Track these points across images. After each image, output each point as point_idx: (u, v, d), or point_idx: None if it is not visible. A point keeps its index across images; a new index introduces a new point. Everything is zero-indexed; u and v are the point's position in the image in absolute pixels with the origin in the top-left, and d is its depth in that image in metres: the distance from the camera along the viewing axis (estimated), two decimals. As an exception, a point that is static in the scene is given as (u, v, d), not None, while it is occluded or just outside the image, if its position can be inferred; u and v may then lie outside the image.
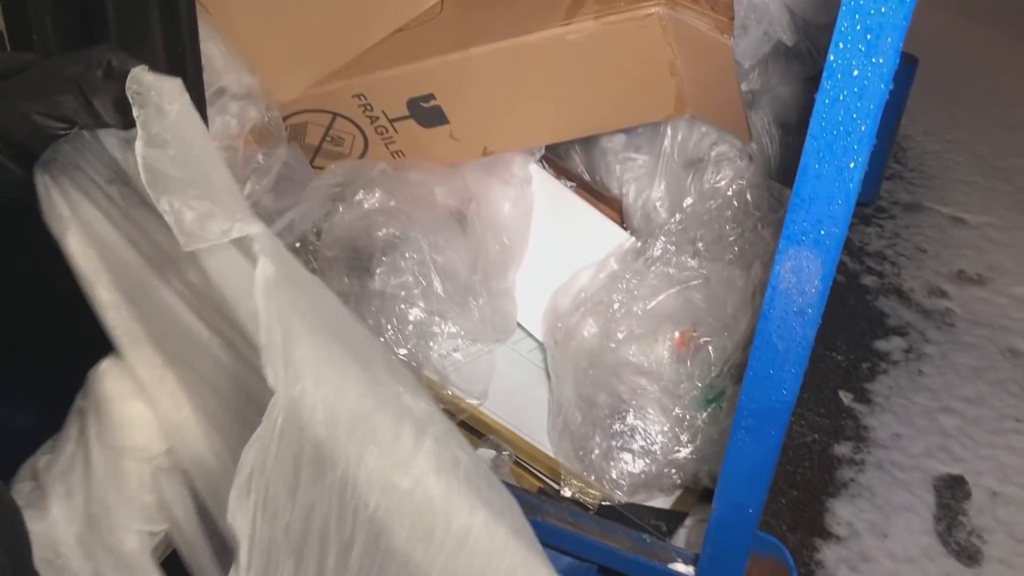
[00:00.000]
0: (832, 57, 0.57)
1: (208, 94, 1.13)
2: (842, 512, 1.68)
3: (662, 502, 1.15)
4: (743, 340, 1.12)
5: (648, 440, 1.11)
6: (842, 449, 1.81)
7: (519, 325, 1.34)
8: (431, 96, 1.30)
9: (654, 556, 0.88)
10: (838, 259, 0.64)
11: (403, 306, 1.13)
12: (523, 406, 1.25)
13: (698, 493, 1.18)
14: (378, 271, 1.17)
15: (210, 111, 1.13)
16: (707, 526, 0.84)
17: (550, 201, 1.39)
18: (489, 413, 1.20)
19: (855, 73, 0.58)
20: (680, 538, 1.11)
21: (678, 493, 1.17)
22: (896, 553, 1.61)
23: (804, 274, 0.63)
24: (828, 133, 0.60)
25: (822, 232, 0.62)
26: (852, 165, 0.60)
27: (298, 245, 1.33)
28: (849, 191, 0.62)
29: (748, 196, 1.24)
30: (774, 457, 0.75)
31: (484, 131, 1.36)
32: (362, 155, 1.39)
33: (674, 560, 0.88)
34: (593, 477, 1.12)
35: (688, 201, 1.32)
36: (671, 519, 1.13)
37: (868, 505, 1.70)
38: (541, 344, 1.34)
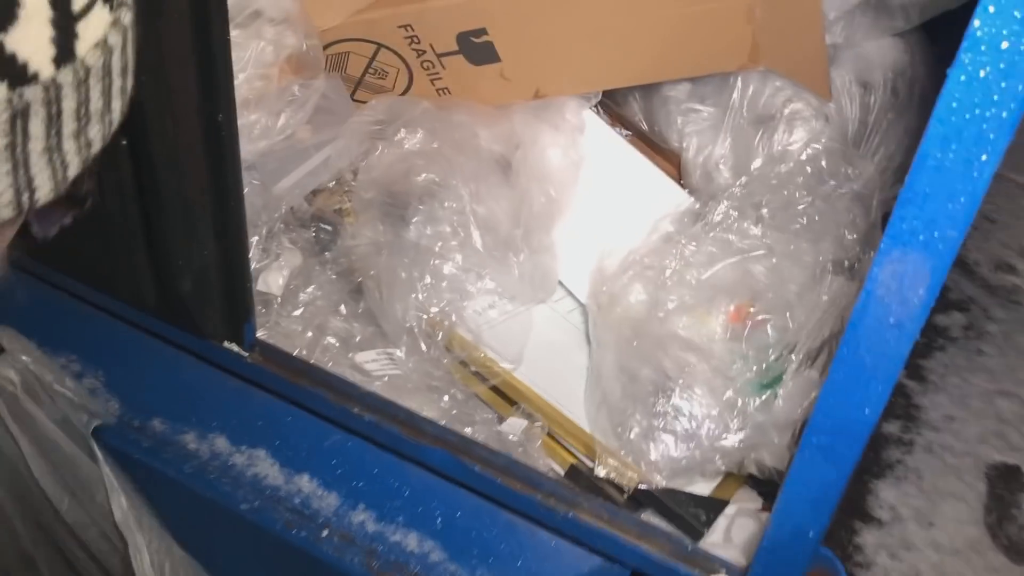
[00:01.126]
0: (977, 23, 0.47)
1: (242, 17, 1.04)
2: (886, 495, 1.59)
3: (702, 487, 1.08)
4: (808, 323, 1.03)
5: (693, 423, 1.02)
6: (890, 428, 1.71)
7: (560, 283, 1.26)
8: (483, 31, 1.19)
9: (695, 565, 0.81)
10: (949, 267, 0.54)
11: (437, 261, 1.05)
12: (559, 372, 1.17)
13: (742, 479, 1.10)
14: (414, 220, 1.08)
15: (243, 35, 1.04)
16: (760, 544, 0.76)
17: (603, 152, 1.29)
18: (522, 378, 1.12)
19: (1004, 46, 0.47)
20: (719, 530, 1.04)
21: (720, 478, 1.09)
22: (941, 543, 1.53)
23: (907, 281, 0.53)
24: (959, 117, 0.49)
25: (935, 234, 0.52)
26: (984, 158, 0.50)
27: (333, 184, 1.25)
28: (976, 189, 0.51)
29: (823, 162, 1.13)
30: (844, 480, 0.66)
31: (537, 72, 1.25)
32: (406, 90, 1.30)
33: (718, 572, 0.81)
34: (631, 457, 1.04)
35: (756, 163, 1.21)
36: (711, 507, 1.05)
37: (914, 489, 1.60)
38: (582, 305, 1.26)
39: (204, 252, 0.79)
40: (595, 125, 1.30)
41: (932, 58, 1.30)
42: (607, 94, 1.38)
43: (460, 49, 1.23)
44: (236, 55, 1.04)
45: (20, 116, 0.35)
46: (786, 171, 1.15)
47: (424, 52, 1.24)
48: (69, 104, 0.37)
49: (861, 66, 1.25)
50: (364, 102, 1.30)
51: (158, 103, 0.69)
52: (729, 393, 1.02)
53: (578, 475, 1.06)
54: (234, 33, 1.04)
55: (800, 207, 1.13)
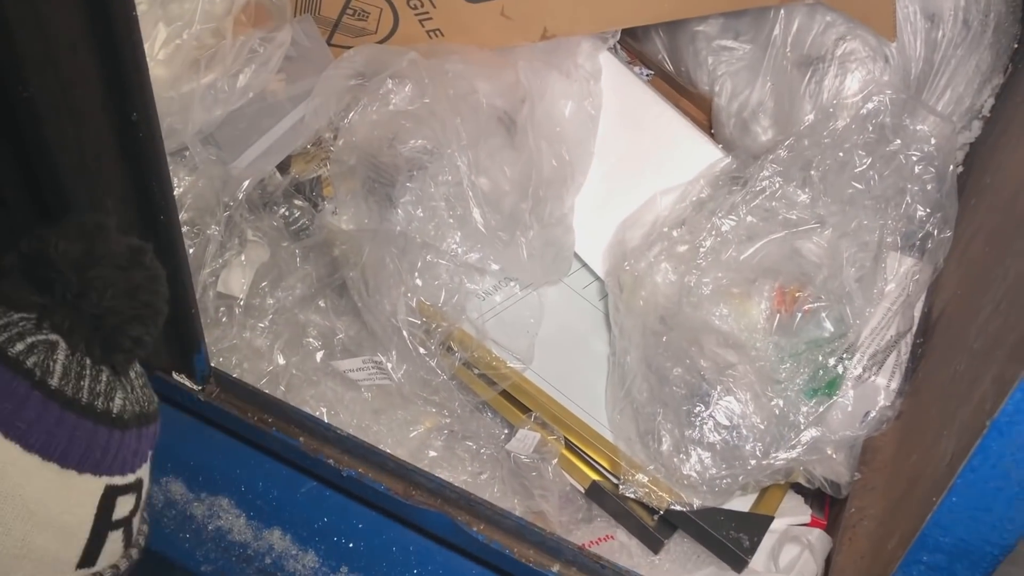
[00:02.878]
0: None
1: (183, -42, 0.86)
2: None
3: (741, 502, 0.94)
4: (872, 318, 0.87)
5: (734, 436, 0.88)
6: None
7: (575, 255, 1.10)
8: (479, -36, 1.01)
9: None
10: None
11: (430, 257, 0.88)
12: (575, 363, 1.02)
13: (786, 486, 0.96)
14: (402, 200, 0.92)
15: (186, -18, 0.85)
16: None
17: (623, 102, 1.11)
18: (534, 379, 0.97)
19: None
20: (764, 552, 0.90)
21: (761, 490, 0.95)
22: None
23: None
24: None
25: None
26: None
27: (310, 148, 1.08)
28: None
29: (886, 116, 0.95)
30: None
31: (545, 8, 1.07)
32: (391, 34, 1.11)
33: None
34: (661, 472, 0.90)
35: (803, 115, 1.03)
36: (754, 526, 0.91)
37: None
38: (599, 279, 1.10)
39: (132, 275, 0.63)
40: (614, 70, 1.12)
41: (1010, -21, 1.10)
42: (625, 30, 1.19)
43: (453, -16, 1.04)
44: (181, 7, 0.86)
45: None
46: (842, 126, 0.97)
47: (410, -11, 1.05)
48: None
49: (928, -7, 1.05)
50: (345, 48, 1.11)
51: (52, 103, 0.52)
52: (776, 401, 0.87)
53: (601, 494, 0.92)
54: (175, -20, 0.86)
55: (858, 170, 0.96)
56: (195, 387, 0.75)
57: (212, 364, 0.78)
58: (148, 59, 0.86)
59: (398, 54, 1.02)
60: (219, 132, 0.95)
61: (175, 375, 0.75)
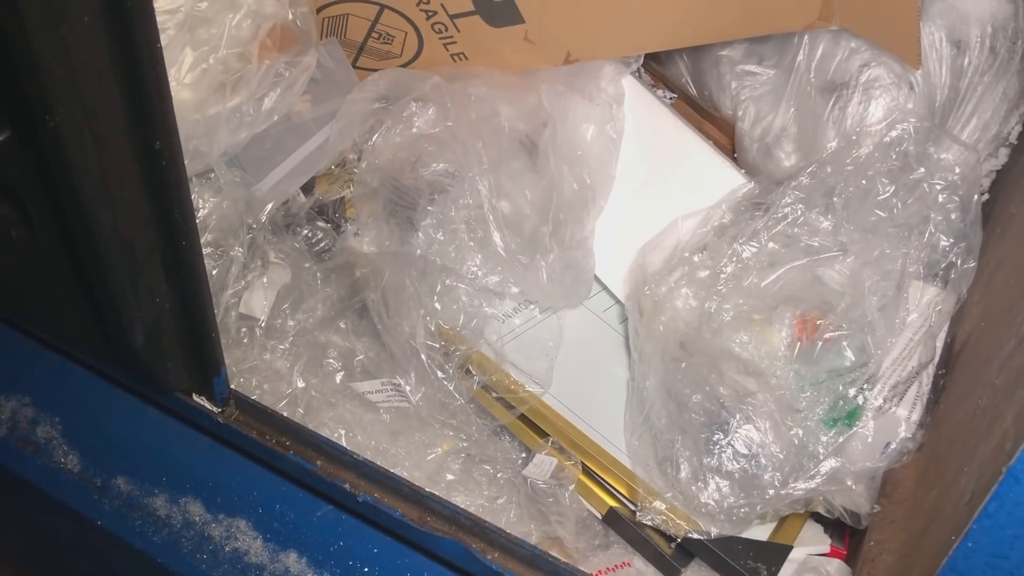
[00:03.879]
0: None
1: (211, -17, 0.87)
2: None
3: (759, 531, 0.93)
4: (894, 348, 0.86)
5: (753, 465, 0.87)
6: None
7: (595, 278, 1.10)
8: (503, -11, 1.01)
9: None
10: None
11: (449, 280, 0.89)
12: (594, 387, 1.02)
13: (806, 515, 0.95)
14: (423, 223, 0.92)
15: (213, 7, 0.86)
16: None
17: (646, 126, 1.11)
18: (553, 403, 0.97)
19: None
20: (782, 582, 0.89)
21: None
22: None
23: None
24: None
25: None
26: None
27: (335, 169, 1.09)
28: None
29: (910, 144, 0.94)
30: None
31: (568, 32, 1.07)
32: (416, 56, 1.12)
33: None
34: (679, 500, 0.90)
35: (826, 141, 1.03)
36: (772, 556, 0.90)
37: None
38: (619, 302, 1.10)
39: (155, 299, 0.64)
40: (637, 94, 1.12)
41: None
42: (649, 53, 1.19)
43: (476, 8, 1.04)
44: (208, 32, 0.87)
45: None
46: (866, 154, 0.96)
47: (435, 13, 1.06)
48: None
49: (953, 20, 1.04)
50: (370, 70, 1.12)
51: (74, 128, 0.53)
52: (796, 431, 0.86)
53: (618, 520, 0.92)
54: (203, 5, 0.87)
55: (881, 198, 0.95)
56: (215, 409, 0.76)
57: (232, 386, 0.78)
58: (175, 82, 0.88)
59: (422, 78, 1.03)
60: (244, 154, 0.96)
61: (195, 397, 0.76)
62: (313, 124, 1.08)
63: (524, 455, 0.92)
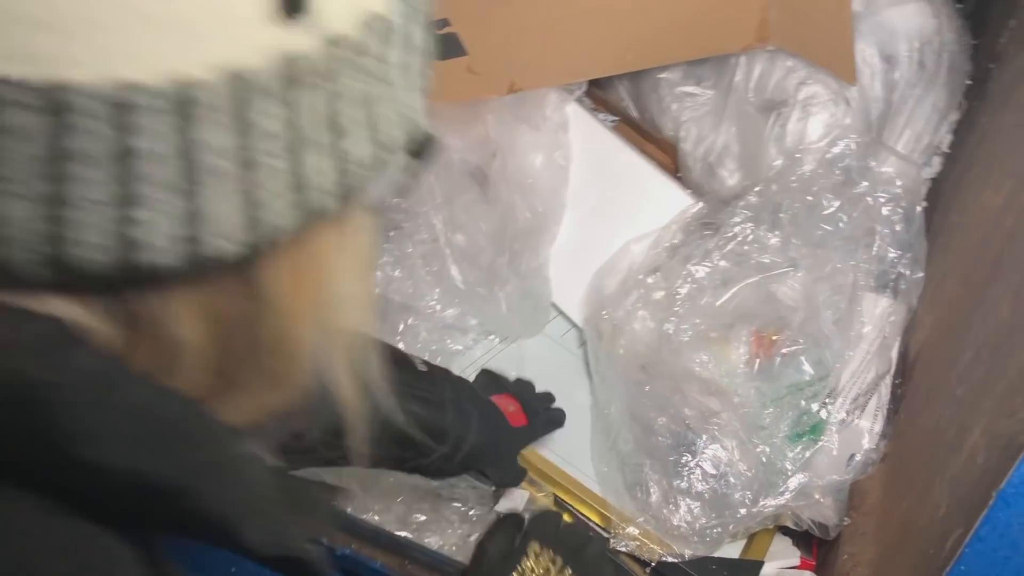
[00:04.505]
0: None
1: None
2: None
3: (730, 548, 0.94)
4: (852, 361, 0.88)
5: (722, 484, 0.88)
6: None
7: (552, 304, 1.10)
8: (444, 22, 1.01)
9: None
10: None
11: (411, 320, 0.88)
12: (558, 415, 1.02)
13: (775, 529, 0.97)
14: (379, 262, 0.91)
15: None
16: None
17: (592, 151, 1.12)
18: (519, 434, 0.96)
19: None
20: (756, 597, 0.90)
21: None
22: None
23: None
24: None
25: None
26: None
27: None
28: None
29: (852, 159, 0.97)
30: None
31: (511, 62, 1.07)
32: (357, 91, 1.11)
33: None
34: (651, 524, 0.90)
35: (769, 159, 1.05)
36: (745, 573, 0.91)
37: None
38: (575, 326, 1.10)
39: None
40: (582, 121, 1.13)
41: (958, 20, 1.13)
42: (591, 80, 1.20)
43: (419, 42, 1.04)
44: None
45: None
46: (809, 171, 0.98)
47: (376, 48, 1.05)
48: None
49: (883, 36, 1.08)
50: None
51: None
52: (762, 447, 0.88)
53: None
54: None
55: (826, 213, 0.97)
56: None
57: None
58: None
59: (367, 114, 1.02)
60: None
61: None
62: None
63: (494, 489, 0.91)
